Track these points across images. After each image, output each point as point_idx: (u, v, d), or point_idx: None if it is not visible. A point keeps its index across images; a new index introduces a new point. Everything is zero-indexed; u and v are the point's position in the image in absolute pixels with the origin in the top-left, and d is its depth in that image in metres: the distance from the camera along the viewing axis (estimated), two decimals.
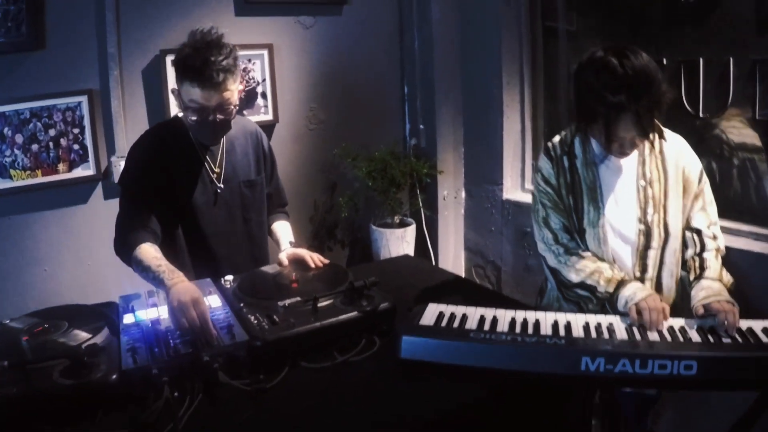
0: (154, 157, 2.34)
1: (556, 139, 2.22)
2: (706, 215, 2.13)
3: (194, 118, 2.22)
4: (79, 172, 3.40)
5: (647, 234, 2.07)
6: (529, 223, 3.73)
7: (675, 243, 2.09)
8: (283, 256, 2.44)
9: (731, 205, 2.20)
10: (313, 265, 2.39)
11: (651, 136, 1.95)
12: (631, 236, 2.08)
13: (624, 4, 3.22)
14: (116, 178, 3.34)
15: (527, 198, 3.85)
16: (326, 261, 2.44)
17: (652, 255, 2.07)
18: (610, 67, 1.86)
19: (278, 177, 2.77)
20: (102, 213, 3.43)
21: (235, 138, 2.51)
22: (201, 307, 1.87)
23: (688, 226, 2.13)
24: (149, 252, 2.14)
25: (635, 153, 2.09)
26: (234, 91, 2.24)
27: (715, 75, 2.80)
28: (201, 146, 2.41)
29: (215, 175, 2.43)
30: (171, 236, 2.39)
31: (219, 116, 2.23)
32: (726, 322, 1.79)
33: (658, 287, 2.10)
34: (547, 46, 3.81)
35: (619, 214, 2.08)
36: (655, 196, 2.07)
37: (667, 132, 2.11)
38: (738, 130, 2.75)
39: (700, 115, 2.84)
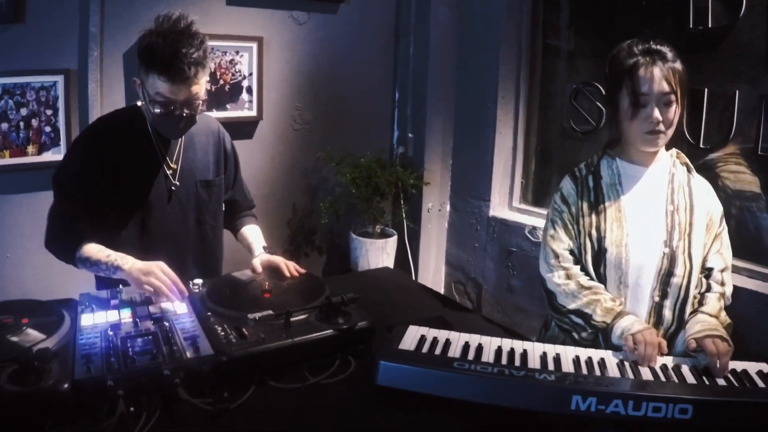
0: (102, 150, 2.19)
1: (582, 163, 2.22)
2: (722, 259, 2.11)
3: (159, 111, 2.09)
4: (49, 155, 3.29)
5: (671, 259, 2.02)
6: (514, 243, 3.77)
7: (696, 275, 2.07)
8: (257, 262, 2.34)
9: (731, 243, 2.21)
10: (288, 275, 2.30)
11: (678, 104, 1.97)
12: (655, 260, 2.03)
13: (631, 26, 3.23)
14: None
15: (514, 216, 3.87)
16: (302, 270, 2.34)
17: (675, 282, 2.03)
18: (632, 42, 2.02)
19: (242, 179, 2.65)
20: None
21: (195, 134, 2.37)
22: (165, 269, 1.95)
23: (702, 266, 2.10)
24: (93, 248, 2.12)
25: (665, 179, 2.09)
26: (203, 85, 2.11)
27: (719, 107, 2.80)
28: (159, 140, 2.27)
29: (171, 171, 2.30)
30: (116, 234, 2.25)
31: (186, 111, 2.10)
32: (717, 365, 1.75)
33: (681, 319, 2.05)
34: (546, 64, 3.82)
35: (644, 235, 2.05)
36: (681, 224, 2.05)
37: (694, 172, 2.14)
38: (736, 176, 2.78)
39: (701, 145, 2.84)
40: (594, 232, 2.08)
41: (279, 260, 2.34)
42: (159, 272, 1.95)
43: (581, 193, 2.13)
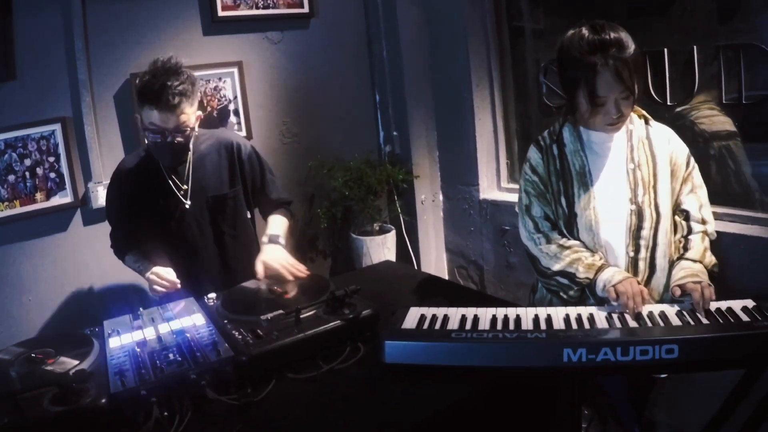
0: (121, 187, 2.59)
1: (545, 132, 2.27)
2: (696, 198, 2.15)
3: (153, 140, 2.39)
4: (57, 200, 3.37)
5: (639, 214, 2.09)
6: (507, 221, 3.78)
7: (666, 223, 2.12)
8: (259, 267, 2.49)
9: (710, 189, 2.25)
10: (290, 277, 2.43)
11: (634, 96, 2.00)
12: (623, 217, 2.10)
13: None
14: (94, 204, 3.39)
15: (504, 197, 3.89)
16: (303, 269, 2.48)
17: (645, 235, 2.09)
18: (584, 35, 1.99)
19: (271, 181, 2.81)
20: (82, 239, 3.43)
21: (206, 154, 2.62)
22: (160, 272, 2.40)
23: (677, 209, 2.16)
24: (130, 259, 2.65)
25: (623, 138, 2.14)
26: (191, 115, 2.39)
27: (680, 64, 2.83)
28: (168, 168, 2.55)
29: (182, 192, 2.57)
30: (150, 249, 2.61)
31: (177, 138, 2.39)
32: (702, 299, 1.84)
33: (652, 268, 2.12)
34: (515, 46, 3.82)
35: (610, 196, 2.11)
36: (644, 178, 2.10)
37: (652, 121, 2.18)
38: (710, 119, 2.79)
39: (668, 103, 2.87)
40: (563, 199, 2.15)
41: (277, 265, 2.47)
42: (154, 278, 2.41)
43: (547, 161, 2.20)
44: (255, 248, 2.68)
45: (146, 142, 2.48)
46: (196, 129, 2.49)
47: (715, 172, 2.76)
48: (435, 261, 4.43)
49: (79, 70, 3.34)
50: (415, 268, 4.23)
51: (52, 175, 3.35)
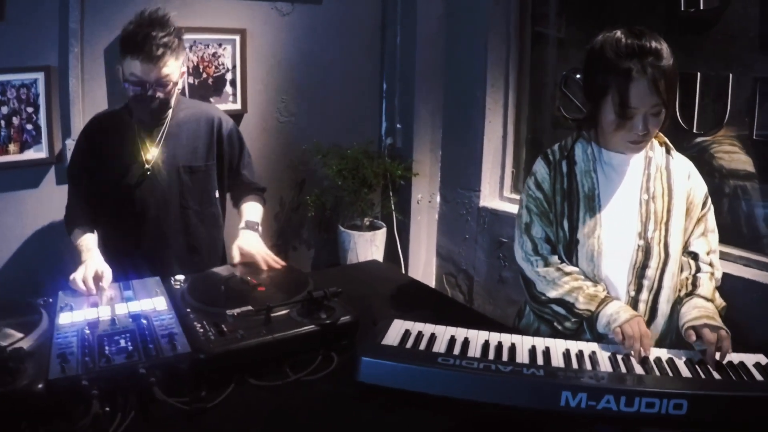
0: (90, 140, 2.50)
1: (556, 145, 2.14)
2: (707, 242, 2.05)
3: (133, 92, 2.32)
4: (30, 154, 3.26)
5: (646, 251, 1.96)
6: (505, 233, 3.76)
7: (674, 266, 2.00)
8: (235, 251, 2.41)
9: (721, 229, 2.19)
10: (264, 267, 2.34)
11: (666, 113, 1.87)
12: (629, 252, 1.97)
13: (621, 12, 3.20)
14: None
15: (505, 206, 3.87)
16: (279, 262, 2.38)
17: (650, 275, 1.97)
18: (620, 38, 1.85)
19: (248, 163, 2.76)
20: (54, 199, 3.28)
21: (184, 122, 2.54)
22: (88, 277, 2.07)
23: (685, 250, 2.05)
24: (77, 233, 2.41)
25: (641, 164, 2.01)
26: (175, 69, 2.34)
27: (712, 91, 2.77)
28: (140, 128, 2.47)
29: (148, 156, 2.47)
30: (105, 218, 2.52)
31: (158, 92, 2.32)
32: (720, 353, 1.72)
33: (653, 311, 2.00)
34: (536, 52, 3.80)
35: (618, 227, 1.98)
36: (657, 213, 1.98)
37: (674, 151, 2.06)
38: (730, 156, 2.74)
39: (695, 131, 2.81)
40: (566, 222, 2.02)
41: (255, 253, 2.37)
42: (79, 280, 2.07)
43: (554, 178, 2.06)
44: (219, 230, 2.71)
45: (129, 97, 2.38)
46: (179, 86, 2.45)
47: (727, 210, 2.74)
48: (424, 265, 4.38)
49: (71, 18, 3.23)
50: (403, 271, 4.17)
51: (29, 126, 3.24)
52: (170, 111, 2.48)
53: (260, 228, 2.55)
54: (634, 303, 1.98)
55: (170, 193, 2.52)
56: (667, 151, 2.04)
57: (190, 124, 2.55)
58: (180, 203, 2.54)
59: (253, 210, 2.62)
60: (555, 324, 2.02)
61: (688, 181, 2.03)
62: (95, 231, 2.46)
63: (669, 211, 1.98)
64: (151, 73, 2.27)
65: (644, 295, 1.98)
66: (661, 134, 2.04)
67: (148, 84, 2.29)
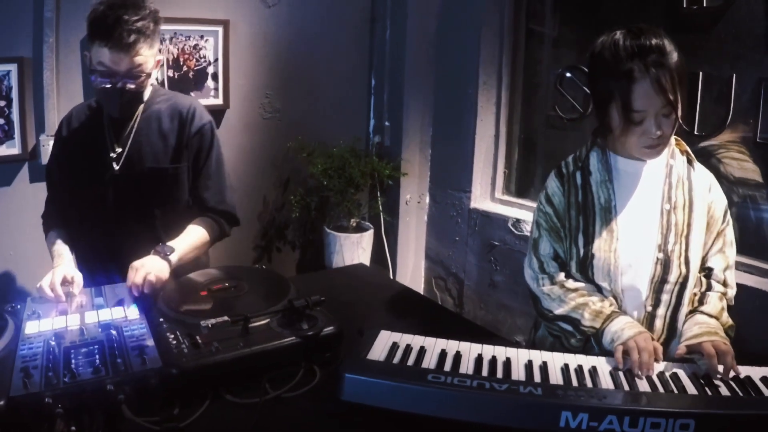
0: (62, 135, 2.34)
1: (570, 157, 2.07)
2: (724, 258, 1.97)
3: (101, 84, 2.12)
4: (3, 150, 3.20)
5: (665, 265, 1.88)
6: (497, 236, 3.74)
7: (693, 282, 1.93)
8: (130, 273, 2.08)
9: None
10: (128, 283, 2.04)
11: (678, 112, 1.77)
12: (647, 265, 1.88)
13: (620, 10, 3.18)
14: (44, 159, 3.19)
15: (496, 209, 3.84)
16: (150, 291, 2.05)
17: (668, 290, 1.89)
18: (618, 40, 1.78)
19: (215, 175, 2.41)
20: (28, 197, 3.23)
21: (155, 118, 2.31)
22: (56, 286, 1.95)
23: (701, 266, 1.97)
24: (52, 236, 2.30)
25: (661, 173, 1.92)
26: (149, 58, 2.13)
27: (714, 91, 2.73)
28: (109, 123, 2.29)
29: (114, 155, 2.26)
30: (76, 219, 2.35)
31: (129, 84, 2.12)
32: (718, 368, 1.65)
33: (672, 329, 1.93)
34: (530, 50, 3.77)
35: (636, 239, 1.90)
36: (678, 225, 1.89)
37: (696, 162, 1.98)
38: (740, 164, 2.69)
39: (695, 132, 2.77)
40: (581, 236, 1.94)
41: (135, 274, 2.05)
42: (46, 286, 1.97)
43: (568, 192, 1.98)
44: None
45: (96, 88, 2.17)
46: (153, 77, 2.24)
47: (735, 218, 2.65)
48: (412, 268, 4.34)
49: (45, 7, 3.16)
50: (390, 274, 4.17)
51: (1, 121, 3.17)
52: (141, 105, 2.29)
53: (175, 256, 2.17)
54: (650, 319, 1.91)
55: (135, 195, 2.29)
56: (689, 162, 1.96)
57: (164, 120, 2.32)
58: (144, 207, 2.32)
59: (186, 236, 2.28)
60: (563, 340, 1.96)
61: (709, 194, 1.95)
62: (66, 237, 2.30)
63: (689, 224, 1.90)
64: (121, 63, 2.06)
65: (661, 311, 1.90)
66: (683, 143, 1.97)
67: (117, 75, 2.08)
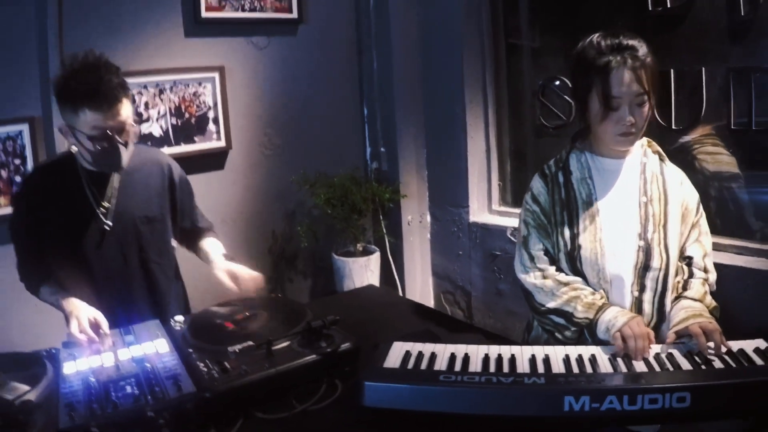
0: (32, 201, 2.27)
1: (551, 160, 2.18)
2: (701, 246, 2.08)
3: (97, 146, 2.10)
4: None
5: (647, 252, 1.98)
6: (498, 246, 3.75)
7: (674, 268, 2.03)
8: (222, 275, 2.32)
9: (711, 221, 2.21)
10: (252, 284, 2.29)
11: (650, 102, 1.93)
12: (630, 253, 1.99)
13: (591, 18, 3.24)
14: None
15: (495, 220, 3.85)
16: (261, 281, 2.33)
17: (652, 276, 1.99)
18: (598, 40, 1.93)
19: (196, 207, 2.63)
20: None
21: (135, 170, 2.35)
22: (83, 323, 2.03)
23: (681, 255, 2.07)
24: (45, 291, 2.29)
25: (636, 169, 2.05)
26: (129, 110, 2.15)
27: (687, 86, 2.80)
28: (90, 182, 2.27)
29: (103, 211, 2.29)
30: (66, 278, 2.30)
31: (119, 139, 2.11)
32: (710, 345, 1.74)
33: (660, 313, 2.02)
34: (511, 64, 3.81)
35: (618, 229, 2.01)
36: (656, 215, 2.00)
37: (667, 160, 2.10)
38: (713, 157, 2.76)
39: (673, 127, 2.83)
40: (567, 230, 2.04)
41: (239, 270, 2.33)
42: (77, 332, 2.03)
43: (552, 190, 2.09)
44: (180, 280, 2.60)
45: (84, 150, 2.14)
46: (133, 128, 2.22)
47: (716, 208, 2.75)
48: (420, 285, 4.35)
49: (51, 67, 3.21)
50: (400, 293, 4.17)
51: (18, 179, 3.20)
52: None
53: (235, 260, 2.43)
54: (638, 304, 2.00)
55: (130, 247, 2.35)
56: (661, 159, 2.08)
57: (142, 172, 2.38)
58: (140, 257, 2.38)
59: (217, 245, 2.53)
60: (556, 334, 2.03)
61: (681, 187, 2.06)
62: (61, 282, 2.30)
63: (665, 214, 2.00)
64: (109, 121, 2.06)
65: (648, 296, 1.99)
66: (654, 143, 2.09)
67: (110, 131, 2.07)
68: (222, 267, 2.35)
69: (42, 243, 2.28)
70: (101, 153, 2.12)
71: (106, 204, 2.28)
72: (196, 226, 2.59)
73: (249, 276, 2.30)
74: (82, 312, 2.09)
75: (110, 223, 2.29)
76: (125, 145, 2.14)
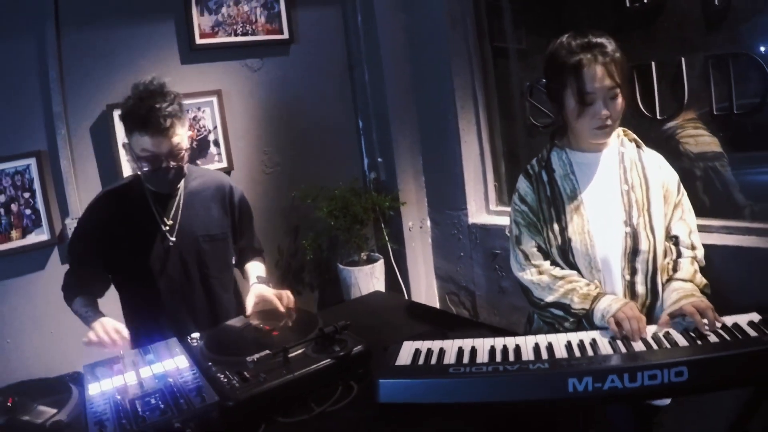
0: (100, 217, 2.41)
1: (534, 159, 2.24)
2: (686, 224, 2.12)
3: (148, 167, 2.25)
4: (33, 237, 3.32)
5: (634, 237, 2.04)
6: (497, 245, 3.75)
7: (661, 248, 2.08)
8: (249, 300, 2.40)
9: (700, 203, 2.27)
10: (282, 309, 2.36)
11: (623, 95, 1.99)
12: (618, 240, 2.05)
13: (572, 17, 3.24)
14: None
15: (493, 220, 3.86)
16: (292, 300, 2.42)
17: (642, 259, 2.04)
18: (569, 41, 2.01)
19: (253, 229, 2.75)
20: (60, 278, 3.23)
21: (197, 192, 2.50)
22: (107, 326, 2.16)
23: (667, 235, 2.12)
24: (80, 302, 2.36)
25: (615, 160, 2.11)
26: (183, 136, 2.27)
27: (668, 77, 2.82)
28: (155, 200, 2.41)
29: (167, 228, 2.41)
30: (131, 295, 2.48)
31: (172, 162, 2.25)
32: (705, 322, 1.78)
33: (654, 293, 2.07)
34: (498, 67, 3.82)
35: (604, 219, 2.07)
36: (639, 201, 2.06)
37: (644, 146, 2.16)
38: (695, 139, 2.78)
39: (658, 117, 2.85)
40: (556, 225, 2.10)
41: (269, 295, 2.39)
42: (99, 328, 2.16)
43: (537, 189, 2.15)
44: (238, 295, 2.67)
45: (142, 172, 2.32)
46: (188, 152, 2.36)
47: (702, 188, 2.75)
48: (425, 288, 4.37)
49: (53, 102, 3.31)
50: (405, 297, 4.19)
51: (28, 211, 3.29)
52: (183, 180, 2.44)
53: (270, 284, 2.53)
54: (631, 286, 2.04)
55: (191, 263, 2.46)
56: (638, 146, 2.14)
57: (205, 193, 2.51)
58: (201, 273, 2.49)
59: (260, 269, 2.63)
60: (556, 326, 2.08)
61: (660, 171, 2.12)
62: (96, 299, 2.42)
63: (648, 198, 2.06)
64: (162, 146, 2.20)
65: (640, 278, 2.04)
66: (629, 132, 2.16)
67: (161, 156, 2.22)
68: (252, 291, 2.44)
69: (101, 254, 2.39)
70: (152, 173, 2.27)
71: (169, 222, 2.41)
72: (251, 247, 2.72)
73: (276, 296, 2.41)
74: (105, 319, 2.22)
75: (174, 239, 2.41)
76: (177, 168, 2.29)
